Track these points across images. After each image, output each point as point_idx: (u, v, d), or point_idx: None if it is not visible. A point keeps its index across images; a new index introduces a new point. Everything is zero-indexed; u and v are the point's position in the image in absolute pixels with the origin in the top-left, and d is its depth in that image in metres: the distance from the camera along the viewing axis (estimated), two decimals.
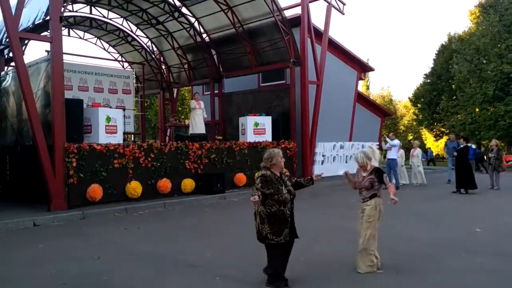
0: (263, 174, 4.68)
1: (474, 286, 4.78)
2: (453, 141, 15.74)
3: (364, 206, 5.27)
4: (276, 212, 4.59)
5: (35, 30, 11.31)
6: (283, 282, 4.69)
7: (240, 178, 13.61)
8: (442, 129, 38.88)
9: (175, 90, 21.94)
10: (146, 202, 10.89)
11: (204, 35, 17.81)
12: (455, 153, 13.66)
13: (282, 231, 4.59)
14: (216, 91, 18.62)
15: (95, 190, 10.34)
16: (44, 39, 10.68)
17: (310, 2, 16.20)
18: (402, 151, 16.14)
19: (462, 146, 13.40)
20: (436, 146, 43.36)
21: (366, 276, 5.08)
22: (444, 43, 39.41)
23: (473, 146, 17.09)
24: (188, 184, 12.22)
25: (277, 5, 14.93)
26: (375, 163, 5.42)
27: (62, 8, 10.53)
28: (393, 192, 5.16)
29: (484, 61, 31.00)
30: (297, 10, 16.62)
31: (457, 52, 33.28)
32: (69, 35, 18.39)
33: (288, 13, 16.30)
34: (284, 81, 17.71)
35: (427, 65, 61.15)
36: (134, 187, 11.03)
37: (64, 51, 10.35)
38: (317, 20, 25.01)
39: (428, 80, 39.63)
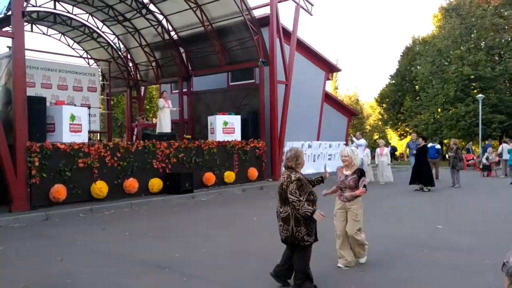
0: (299, 179, 4.37)
1: (435, 280, 4.96)
2: (415, 140, 16.02)
3: (349, 205, 5.33)
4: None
5: None
6: (313, 284, 4.53)
7: (209, 177, 13.57)
8: (406, 129, 39.99)
9: (142, 88, 21.64)
10: (112, 202, 10.70)
11: (173, 33, 17.64)
12: (414, 151, 14.10)
13: (313, 230, 4.48)
14: (184, 90, 18.48)
15: (59, 191, 10.08)
16: (5, 34, 10.30)
17: (278, 2, 16.30)
18: (368, 150, 16.51)
19: (420, 145, 13.86)
20: (400, 145, 44.51)
21: (333, 272, 5.18)
22: (408, 45, 40.52)
23: (438, 146, 17.55)
24: (155, 183, 12.08)
25: (246, 4, 14.96)
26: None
27: (25, 3, 10.21)
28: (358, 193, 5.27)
29: (446, 63, 32.08)
30: (266, 10, 16.72)
31: (420, 54, 34.29)
32: (32, 30, 17.84)
33: (257, 13, 16.38)
34: (253, 81, 17.77)
35: (393, 66, 62.72)
36: (100, 187, 10.81)
37: (26, 47, 10.07)
38: (286, 20, 25.20)
39: (393, 81, 40.68)
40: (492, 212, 9.55)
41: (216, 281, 4.99)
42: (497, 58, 32.36)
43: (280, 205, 4.52)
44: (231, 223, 8.69)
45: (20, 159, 9.55)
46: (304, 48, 19.93)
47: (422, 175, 13.29)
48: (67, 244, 6.91)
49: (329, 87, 43.19)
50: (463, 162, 18.03)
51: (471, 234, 7.31)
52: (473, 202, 11.44)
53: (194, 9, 15.86)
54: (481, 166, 19.94)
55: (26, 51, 10.13)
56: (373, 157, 17.11)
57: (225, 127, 14.93)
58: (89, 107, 13.89)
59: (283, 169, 4.69)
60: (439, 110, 32.96)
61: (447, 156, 16.60)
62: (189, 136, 16.09)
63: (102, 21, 18.25)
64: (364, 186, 5.24)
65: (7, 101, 10.11)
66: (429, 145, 16.14)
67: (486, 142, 23.94)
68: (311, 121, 20.82)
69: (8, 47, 10.68)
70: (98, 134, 18.31)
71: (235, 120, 15.26)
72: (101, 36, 18.96)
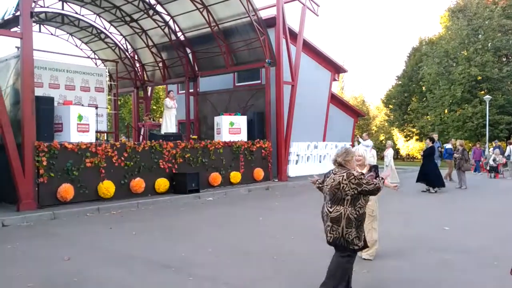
0: (362, 173, 4.29)
1: (442, 282, 4.95)
2: (437, 141, 15.31)
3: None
4: (363, 215, 4.28)
5: (5, 26, 11.04)
6: None
7: (215, 177, 13.59)
8: (413, 130, 39.84)
9: (149, 89, 21.72)
10: (119, 202, 10.76)
11: (179, 34, 17.69)
12: (422, 153, 14.00)
13: (363, 235, 4.27)
14: (191, 90, 18.53)
15: (66, 190, 10.15)
16: (14, 35, 10.40)
17: (285, 3, 16.30)
18: (374, 151, 16.44)
19: (428, 146, 13.78)
20: (407, 146, 44.36)
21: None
22: (415, 46, 40.35)
23: (449, 146, 17.21)
24: (162, 183, 12.13)
25: (253, 5, 14.98)
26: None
27: (33, 3, 10.30)
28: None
29: (453, 64, 31.92)
30: (273, 11, 16.72)
31: (427, 55, 34.11)
32: (40, 31, 17.94)
33: (263, 14, 16.38)
34: (259, 81, 17.78)
35: (400, 68, 62.49)
36: (107, 187, 10.87)
37: (34, 47, 10.15)
38: (292, 21, 25.19)
39: (400, 82, 40.55)
40: (499, 214, 9.50)
41: (222, 280, 5.00)
42: (504, 59, 32.18)
43: (330, 205, 4.26)
44: (237, 223, 8.71)
45: (28, 158, 9.62)
46: (310, 49, 19.92)
47: (429, 177, 13.22)
48: (74, 243, 6.97)
49: (336, 88, 43.14)
50: (470, 163, 17.89)
51: (478, 236, 7.27)
52: (480, 203, 11.39)
53: (201, 10, 15.91)
54: (488, 168, 19.83)
55: (34, 52, 10.21)
56: (381, 158, 17.03)
57: (231, 128, 14.96)
58: (96, 107, 13.96)
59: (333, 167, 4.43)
60: (445, 111, 32.81)
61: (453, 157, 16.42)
62: (195, 137, 16.14)
63: (110, 22, 18.34)
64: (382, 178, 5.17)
65: (15, 101, 10.20)
66: (447, 146, 15.80)
67: (493, 143, 23.77)
68: (317, 122, 20.80)
69: (16, 47, 10.78)
70: (105, 134, 18.40)
71: (241, 121, 15.29)
72: (108, 36, 19.05)
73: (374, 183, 4.15)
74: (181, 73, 18.40)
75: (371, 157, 15.39)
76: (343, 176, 4.16)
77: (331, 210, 4.23)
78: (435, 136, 15.72)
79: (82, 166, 10.55)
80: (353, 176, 4.13)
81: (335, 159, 4.33)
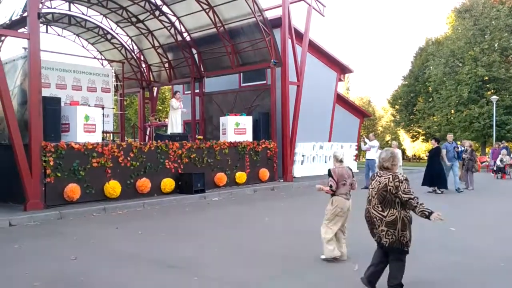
0: (407, 178, 4.28)
1: (449, 283, 4.92)
2: (452, 142, 14.23)
3: (349, 202, 5.76)
4: (411, 216, 4.35)
5: (12, 27, 11.07)
6: None
7: (221, 177, 13.61)
8: (419, 130, 39.67)
9: (155, 89, 21.79)
10: (125, 202, 10.80)
11: (185, 34, 17.74)
12: (427, 153, 13.84)
13: (411, 236, 4.37)
14: (197, 91, 18.57)
15: (73, 190, 10.21)
16: (21, 35, 10.48)
17: (291, 3, 16.31)
18: (379, 152, 16.39)
19: (433, 147, 13.70)
20: (413, 147, 44.19)
21: (344, 274, 5.17)
22: (422, 46, 40.17)
23: (463, 147, 16.41)
24: (168, 183, 12.16)
25: (258, 5, 14.99)
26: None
27: (40, 4, 10.36)
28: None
29: (460, 64, 31.75)
30: (278, 11, 16.73)
31: (433, 55, 33.94)
32: (47, 32, 18.08)
33: (269, 14, 16.40)
34: (265, 82, 17.79)
35: (406, 68, 62.23)
36: (113, 187, 10.92)
37: (41, 48, 10.19)
38: (298, 21, 25.17)
39: (406, 82, 40.38)
40: (506, 214, 9.44)
41: (228, 280, 5.01)
42: (511, 59, 31.93)
43: (381, 208, 4.28)
44: (242, 224, 8.72)
45: (35, 158, 9.68)
46: (316, 49, 19.90)
47: (434, 178, 13.14)
48: (81, 243, 7.00)
49: (341, 88, 43.04)
50: (477, 164, 17.71)
51: (485, 237, 7.23)
52: (487, 204, 11.31)
53: (207, 10, 15.94)
54: (494, 168, 19.70)
55: (41, 52, 10.27)
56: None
57: (237, 128, 14.98)
58: (103, 108, 14.01)
59: (377, 170, 4.51)
60: (452, 111, 32.64)
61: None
62: (201, 137, 16.17)
63: (116, 23, 18.44)
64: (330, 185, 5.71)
65: (23, 102, 10.26)
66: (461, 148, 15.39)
67: (501, 144, 23.60)
68: (322, 122, 20.77)
69: (24, 48, 10.86)
70: (112, 134, 18.48)
71: (247, 121, 15.30)
72: (114, 37, 19.15)
73: (415, 196, 4.17)
74: (187, 73, 18.45)
75: (377, 158, 15.40)
76: (389, 178, 4.26)
77: (384, 214, 4.27)
78: (450, 136, 14.65)
79: (88, 166, 10.60)
80: (397, 179, 4.22)
81: (382, 164, 4.40)
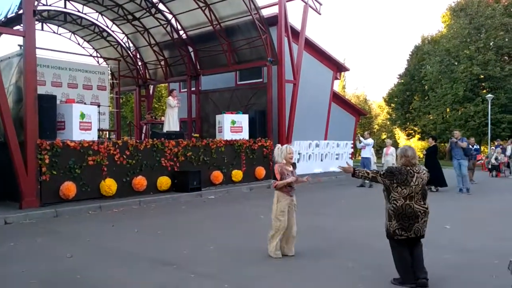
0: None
1: (442, 280, 4.96)
2: (458, 138, 13.15)
3: (294, 198, 6.06)
4: None
5: (7, 24, 11.03)
6: None
7: (217, 175, 13.62)
8: (415, 128, 39.79)
9: (151, 87, 21.76)
10: (121, 200, 10.79)
11: (181, 32, 17.72)
12: (424, 151, 13.86)
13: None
14: (193, 89, 18.56)
15: (69, 188, 10.19)
16: (16, 33, 10.43)
17: (287, 1, 16.31)
18: (373, 150, 16.46)
19: (431, 145, 13.73)
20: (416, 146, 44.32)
21: (338, 272, 5.20)
22: (417, 44, 40.26)
23: (476, 146, 15.54)
24: (164, 181, 12.16)
25: (255, 3, 14.99)
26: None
27: (36, 2, 10.33)
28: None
29: (456, 63, 31.87)
30: (274, 9, 16.73)
31: (429, 54, 34.05)
32: (42, 29, 18.02)
33: (265, 12, 16.40)
34: (261, 80, 17.79)
35: (402, 66, 62.36)
36: (109, 185, 10.90)
37: (37, 45, 10.15)
38: (294, 19, 25.18)
39: (402, 81, 40.48)
40: (500, 212, 9.50)
41: (223, 278, 5.03)
42: (506, 58, 32.09)
43: (423, 202, 4.70)
44: (238, 222, 8.74)
45: (30, 156, 9.66)
46: (312, 47, 19.92)
47: (431, 177, 13.09)
48: (77, 241, 7.01)
49: (337, 86, 43.13)
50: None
51: (479, 234, 7.28)
52: (482, 202, 11.37)
53: (203, 8, 15.92)
54: (489, 167, 19.79)
55: (37, 50, 10.23)
56: (380, 157, 17.05)
57: (233, 126, 14.98)
58: (98, 105, 14.01)
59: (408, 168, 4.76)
60: (448, 110, 32.78)
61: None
62: (197, 135, 16.17)
63: (112, 20, 18.38)
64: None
65: (18, 99, 10.22)
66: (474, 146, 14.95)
67: (496, 142, 23.71)
68: (318, 121, 20.81)
69: (19, 45, 10.81)
70: (107, 132, 18.45)
71: (243, 119, 15.30)
72: (110, 35, 19.09)
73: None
74: (183, 71, 18.43)
75: (372, 155, 15.45)
76: (425, 173, 4.70)
77: (426, 206, 4.72)
78: (457, 132, 13.74)
79: (84, 164, 10.58)
80: (426, 174, 4.68)
81: (409, 161, 4.67)
